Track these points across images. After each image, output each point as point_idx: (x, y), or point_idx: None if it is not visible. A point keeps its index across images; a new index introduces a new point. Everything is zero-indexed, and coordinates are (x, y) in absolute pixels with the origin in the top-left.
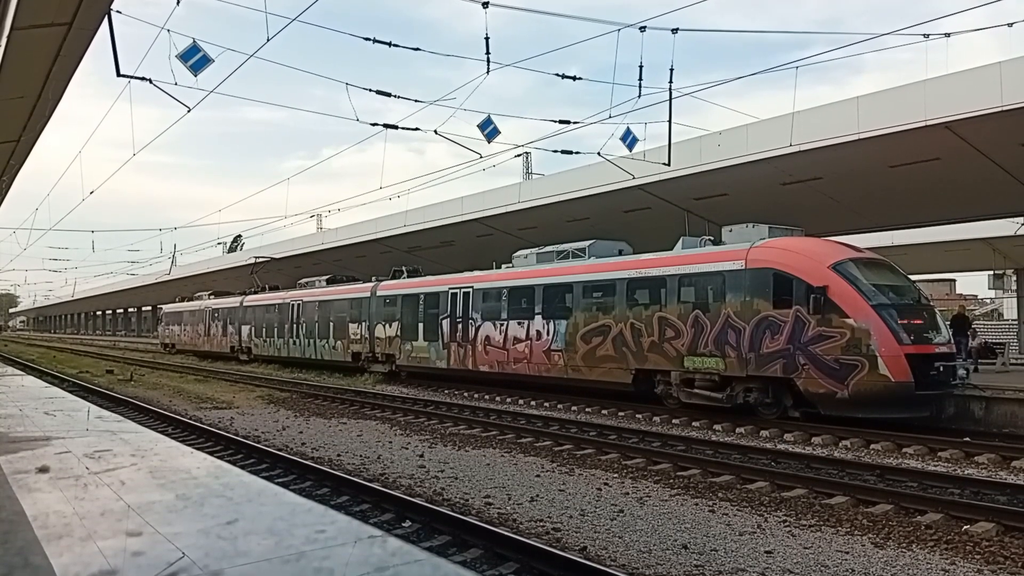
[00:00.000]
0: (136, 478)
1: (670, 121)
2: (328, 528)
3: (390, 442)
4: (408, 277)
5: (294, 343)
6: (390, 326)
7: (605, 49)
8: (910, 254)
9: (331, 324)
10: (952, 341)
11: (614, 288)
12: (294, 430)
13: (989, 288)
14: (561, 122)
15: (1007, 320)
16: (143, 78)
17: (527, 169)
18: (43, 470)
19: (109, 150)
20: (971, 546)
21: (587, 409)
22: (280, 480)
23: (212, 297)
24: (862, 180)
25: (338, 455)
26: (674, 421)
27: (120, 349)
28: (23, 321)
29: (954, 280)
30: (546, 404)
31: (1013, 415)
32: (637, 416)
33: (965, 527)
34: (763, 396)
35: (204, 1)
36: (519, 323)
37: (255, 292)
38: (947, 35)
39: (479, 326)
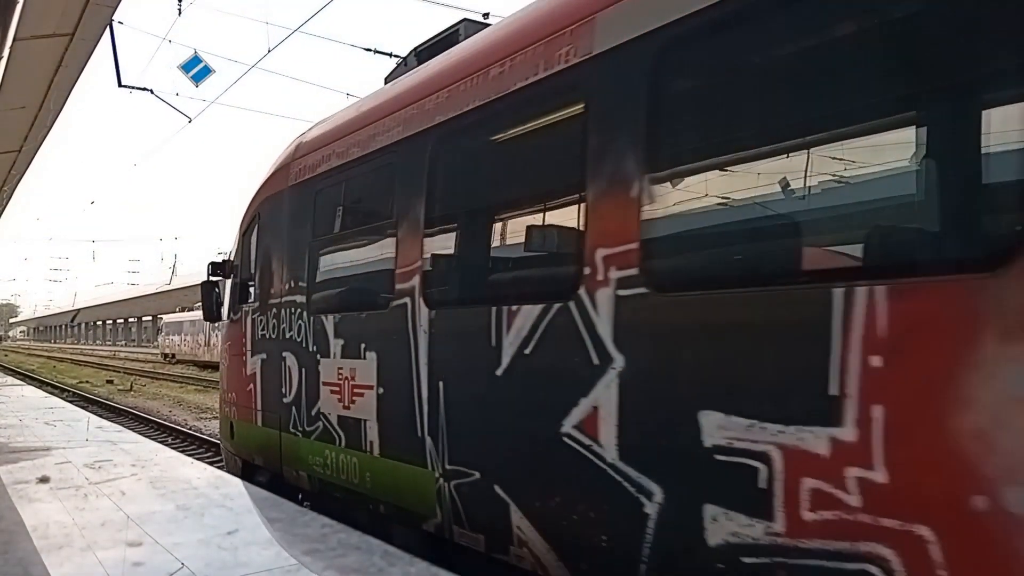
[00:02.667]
0: (136, 488)
1: None
2: (329, 538)
3: None
4: None
5: None
6: None
7: None
8: None
9: None
10: None
11: None
12: None
13: None
14: None
15: None
16: (144, 89)
17: None
18: (43, 480)
19: (110, 160)
20: None
21: None
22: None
23: None
24: None
25: None
26: None
27: (120, 359)
28: (23, 331)
29: None
30: None
31: None
32: None
33: None
34: None
35: (205, 12)
36: None
37: None
38: None
39: None
